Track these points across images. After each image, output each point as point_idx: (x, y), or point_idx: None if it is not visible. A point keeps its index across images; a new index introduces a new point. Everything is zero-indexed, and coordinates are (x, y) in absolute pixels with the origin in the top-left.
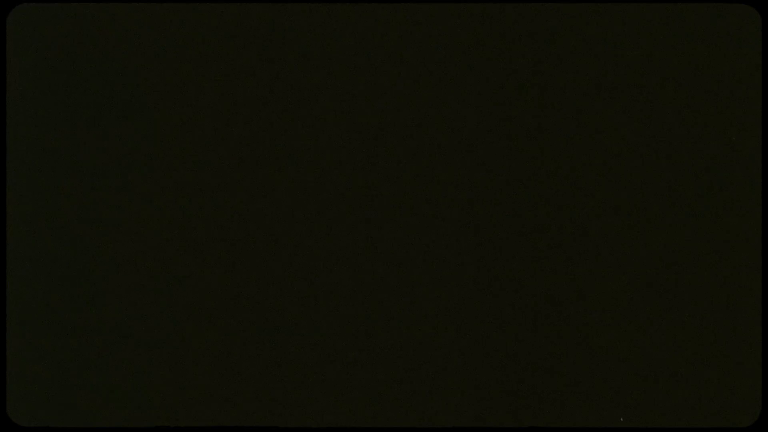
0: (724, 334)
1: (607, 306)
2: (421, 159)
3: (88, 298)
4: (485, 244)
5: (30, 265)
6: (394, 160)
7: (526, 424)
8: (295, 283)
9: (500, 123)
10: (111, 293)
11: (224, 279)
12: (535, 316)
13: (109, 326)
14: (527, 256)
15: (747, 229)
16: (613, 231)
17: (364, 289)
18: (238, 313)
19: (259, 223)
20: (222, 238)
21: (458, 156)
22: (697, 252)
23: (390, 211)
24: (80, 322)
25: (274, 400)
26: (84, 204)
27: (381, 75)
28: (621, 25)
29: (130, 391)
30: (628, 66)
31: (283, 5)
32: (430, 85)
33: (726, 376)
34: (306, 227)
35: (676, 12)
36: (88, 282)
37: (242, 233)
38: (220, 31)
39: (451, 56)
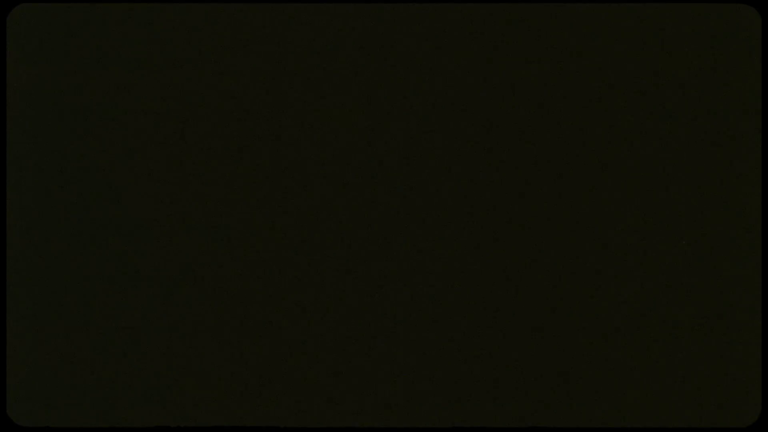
0: (724, 334)
1: (607, 306)
2: (419, 159)
3: (88, 298)
4: (485, 244)
5: (30, 265)
6: (393, 159)
7: (526, 424)
8: (295, 284)
9: (500, 122)
10: (110, 293)
11: (224, 279)
12: (535, 317)
13: (109, 326)
14: (528, 257)
15: (747, 229)
16: (613, 231)
17: (365, 290)
18: (238, 314)
19: (259, 224)
20: (222, 239)
21: (458, 156)
22: (697, 252)
23: (390, 213)
24: (80, 322)
25: (274, 400)
26: (84, 204)
27: (380, 75)
28: (621, 25)
29: (130, 391)
30: (628, 66)
31: (284, 5)
32: (429, 85)
33: (726, 376)
34: (305, 228)
35: (676, 12)
36: (88, 282)
37: (242, 233)
38: (219, 31)
39: (451, 56)
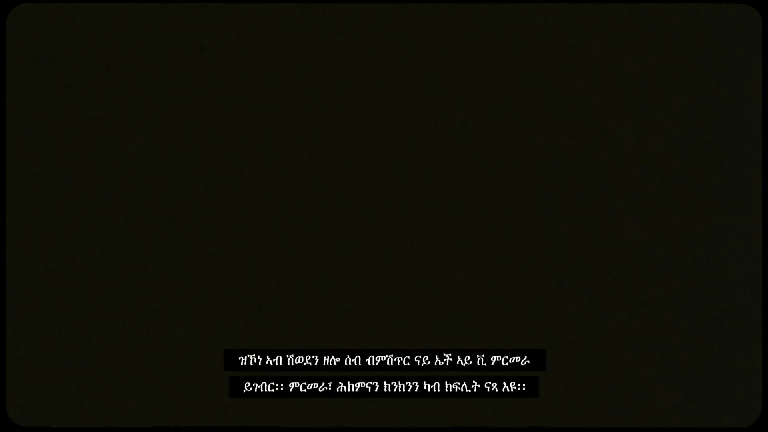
0: (724, 334)
1: (607, 307)
2: (419, 159)
3: (87, 299)
4: (484, 243)
5: (30, 265)
6: (392, 158)
7: (527, 424)
8: (293, 284)
9: (501, 121)
10: (110, 294)
11: (224, 279)
12: (536, 317)
13: (108, 326)
14: (528, 257)
15: (747, 229)
16: (613, 231)
17: (365, 293)
18: (237, 314)
19: (258, 223)
20: (221, 239)
21: (460, 160)
22: (697, 252)
23: (385, 206)
24: (80, 322)
25: (273, 400)
26: (84, 204)
27: (379, 74)
28: (621, 25)
29: (130, 391)
30: (628, 66)
31: (284, 5)
32: (428, 85)
33: (726, 376)
34: (304, 230)
35: (676, 12)
36: (87, 282)
37: (242, 233)
38: (219, 31)
39: (449, 56)
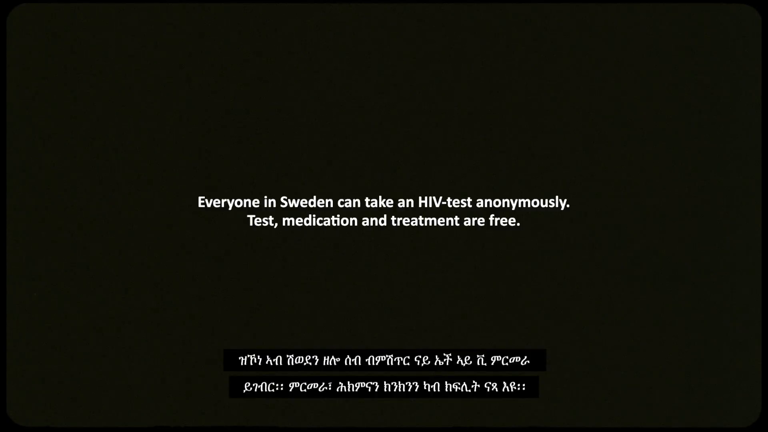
0: (724, 334)
1: (607, 306)
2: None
3: (87, 299)
4: (484, 243)
5: (30, 265)
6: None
7: (527, 424)
8: (293, 284)
9: (501, 121)
10: (110, 293)
11: (224, 279)
12: (536, 317)
13: (108, 326)
14: (528, 257)
15: (747, 229)
16: (613, 231)
17: (362, 287)
18: (237, 314)
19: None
20: (222, 238)
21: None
22: (697, 252)
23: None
24: (79, 323)
25: (273, 400)
26: (84, 204)
27: (379, 74)
28: (622, 25)
29: (131, 391)
30: (629, 66)
31: (284, 5)
32: (428, 85)
33: (726, 376)
34: (304, 230)
35: (676, 12)
36: (87, 282)
37: (242, 232)
38: (218, 31)
39: (449, 56)
